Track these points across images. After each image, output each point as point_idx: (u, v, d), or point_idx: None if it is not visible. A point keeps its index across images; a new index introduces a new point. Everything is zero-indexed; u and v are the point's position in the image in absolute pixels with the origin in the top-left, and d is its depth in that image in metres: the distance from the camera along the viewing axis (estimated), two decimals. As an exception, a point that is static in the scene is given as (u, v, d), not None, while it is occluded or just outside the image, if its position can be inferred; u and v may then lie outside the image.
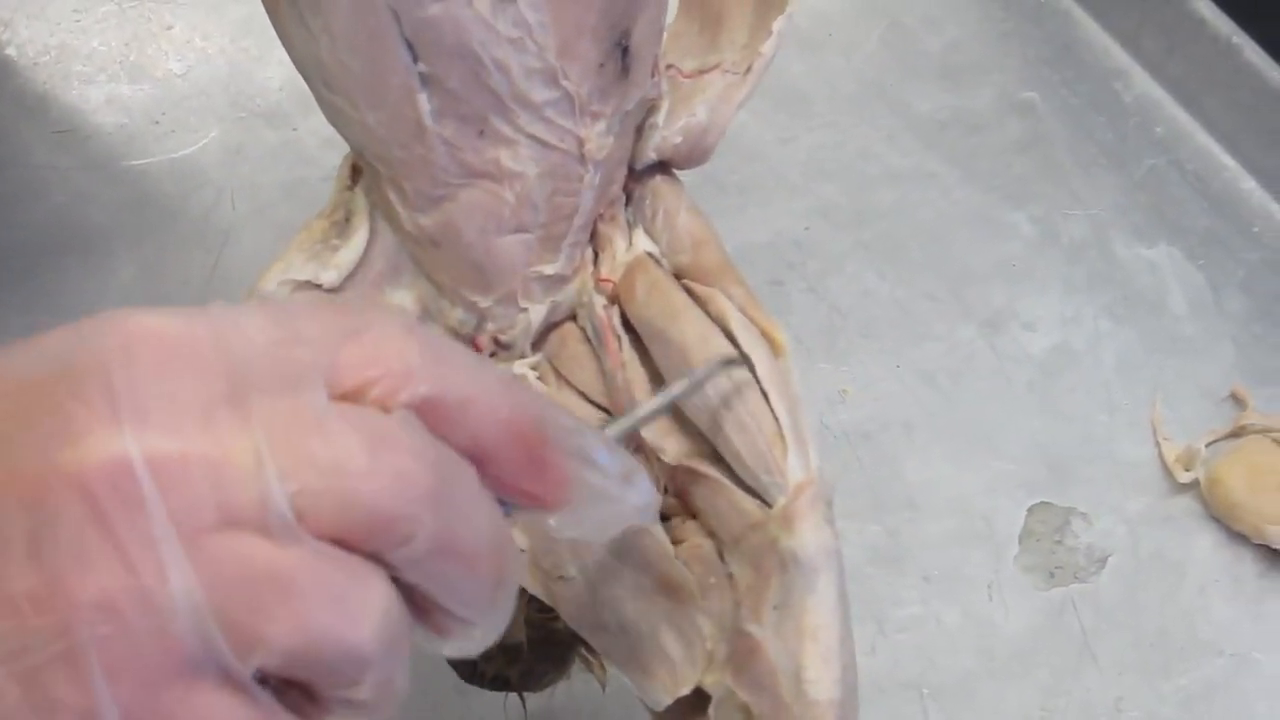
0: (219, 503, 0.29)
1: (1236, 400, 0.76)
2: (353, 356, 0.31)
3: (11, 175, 0.82)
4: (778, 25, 0.51)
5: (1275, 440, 0.73)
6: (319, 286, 0.48)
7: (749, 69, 0.51)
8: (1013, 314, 0.80)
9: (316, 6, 0.44)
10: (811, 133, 0.86)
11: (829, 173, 0.85)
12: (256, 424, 0.29)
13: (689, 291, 0.49)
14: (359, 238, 0.49)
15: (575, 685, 0.57)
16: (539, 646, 0.54)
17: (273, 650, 0.29)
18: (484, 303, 0.49)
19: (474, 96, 0.45)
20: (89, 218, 0.80)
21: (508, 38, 0.44)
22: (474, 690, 0.56)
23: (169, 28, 0.89)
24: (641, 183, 0.52)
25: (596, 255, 0.51)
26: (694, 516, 0.49)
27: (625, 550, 0.48)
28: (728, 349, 0.47)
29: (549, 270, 0.49)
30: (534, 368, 0.50)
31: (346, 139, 0.49)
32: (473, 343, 0.50)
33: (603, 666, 0.55)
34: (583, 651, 0.55)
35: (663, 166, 0.52)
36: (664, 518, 0.49)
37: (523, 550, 0.50)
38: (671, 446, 0.48)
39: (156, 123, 0.85)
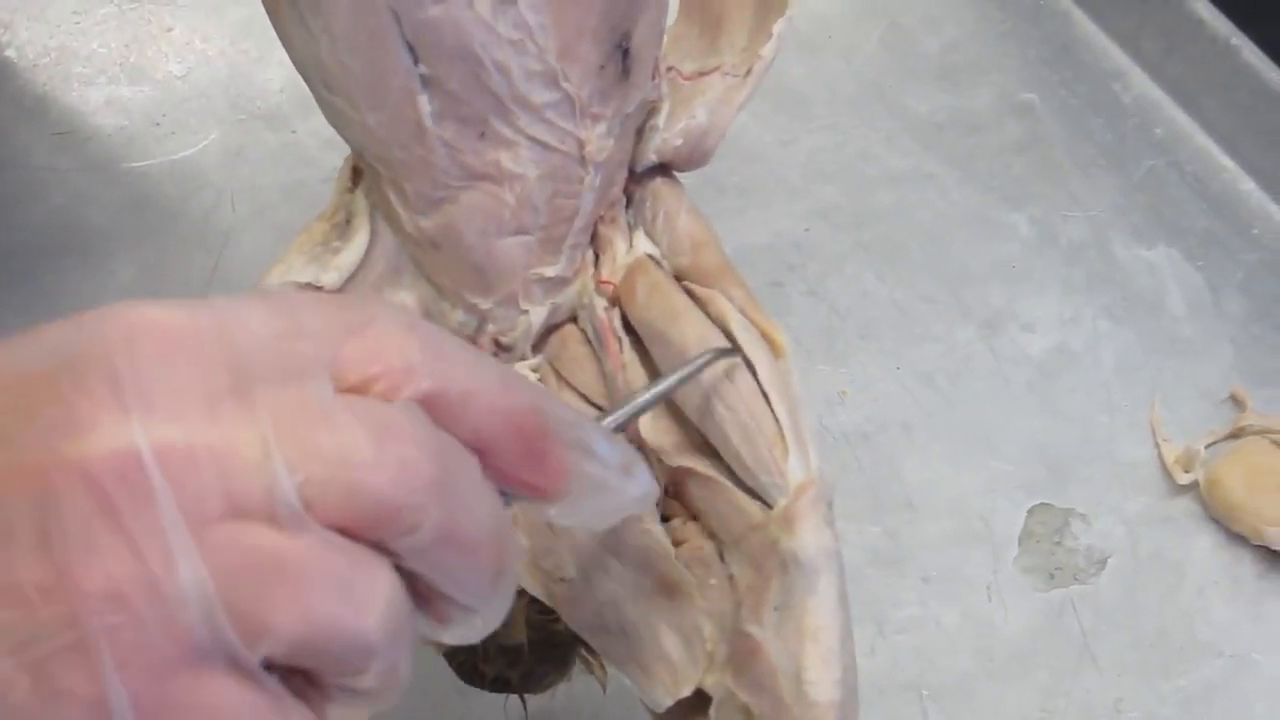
0: (226, 492, 0.29)
1: (1235, 401, 0.76)
2: (355, 351, 0.32)
3: (11, 177, 0.82)
4: (777, 28, 0.51)
5: (1274, 441, 0.73)
6: (320, 288, 0.49)
7: (749, 71, 0.51)
8: (1012, 315, 0.80)
9: (317, 7, 0.44)
10: (811, 134, 0.86)
11: (828, 174, 0.85)
12: (262, 414, 0.30)
13: (689, 293, 0.49)
14: (359, 240, 0.49)
15: (576, 686, 0.58)
16: (540, 648, 0.54)
17: (280, 639, 0.29)
18: (484, 305, 0.49)
19: (474, 98, 0.45)
20: (89, 219, 0.81)
21: (508, 39, 0.44)
22: (475, 691, 0.56)
23: (169, 30, 0.89)
24: (642, 185, 0.52)
25: (597, 257, 0.51)
26: (694, 518, 0.49)
27: (626, 551, 0.48)
28: (727, 346, 0.47)
29: (549, 272, 0.49)
30: (535, 369, 0.50)
31: (347, 140, 0.49)
32: (473, 344, 0.50)
33: (603, 668, 0.55)
34: (583, 653, 0.55)
35: (663, 168, 0.52)
36: (664, 519, 0.49)
37: (523, 551, 0.50)
38: (672, 447, 0.49)
39: (156, 124, 0.85)
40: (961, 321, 0.79)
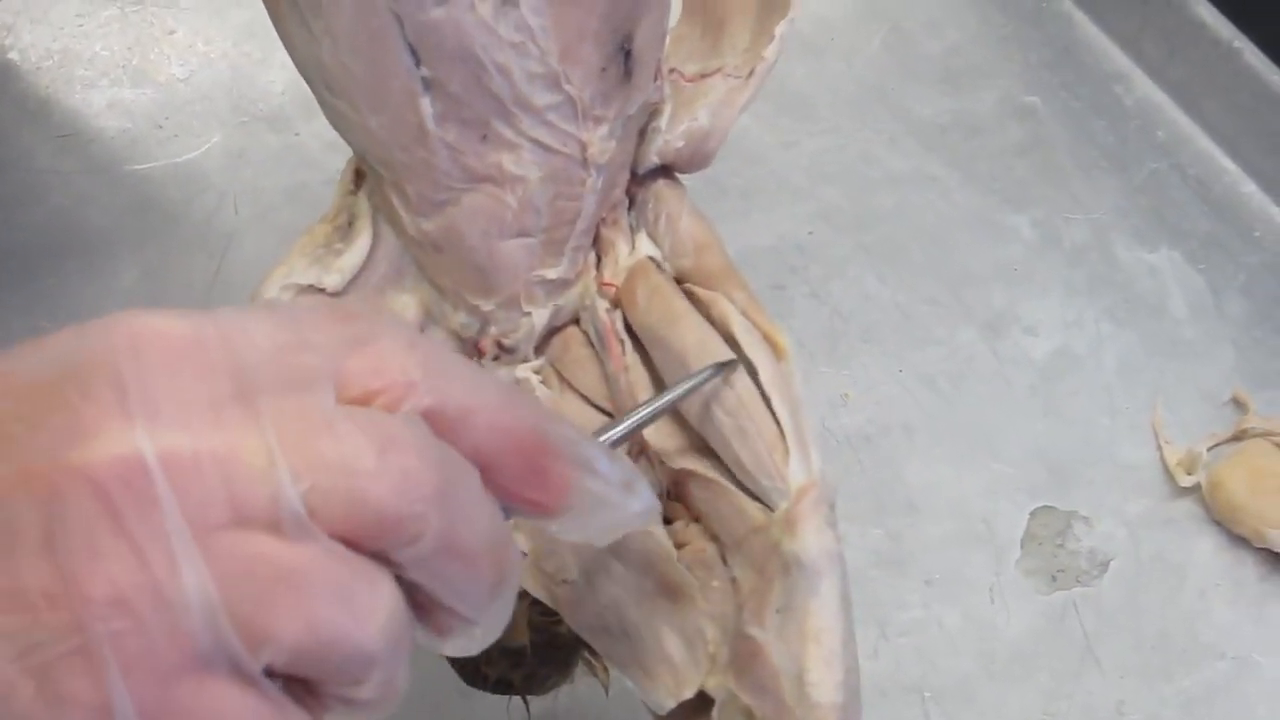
0: (230, 500, 0.29)
1: (1237, 404, 0.76)
2: (357, 366, 0.32)
3: (14, 179, 0.82)
4: (780, 29, 0.51)
5: (1276, 444, 0.73)
6: (322, 290, 0.49)
7: (751, 73, 0.51)
8: (1014, 317, 0.80)
9: (319, 9, 0.44)
10: (813, 137, 0.86)
11: (831, 176, 0.85)
12: (267, 423, 0.30)
13: (691, 295, 0.49)
14: (362, 242, 0.49)
15: (578, 688, 0.57)
16: (542, 650, 0.54)
17: (283, 646, 0.29)
18: (487, 306, 0.49)
19: (476, 100, 0.45)
20: (91, 221, 0.81)
21: (510, 42, 0.44)
22: (477, 693, 0.56)
23: (171, 32, 0.89)
24: (644, 187, 0.52)
25: (599, 259, 0.51)
26: (697, 520, 0.49)
27: (628, 553, 0.48)
28: (727, 355, 0.47)
29: (551, 274, 0.49)
30: (537, 371, 0.50)
31: (349, 143, 0.49)
32: (476, 346, 0.50)
33: (606, 670, 0.55)
34: (586, 655, 0.55)
35: (665, 170, 0.52)
36: (667, 521, 0.49)
37: (525, 554, 0.50)
38: (674, 450, 0.49)
39: (159, 127, 0.85)
40: (964, 324, 0.79)
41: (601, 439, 0.42)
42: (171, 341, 0.30)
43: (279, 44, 0.48)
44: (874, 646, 0.68)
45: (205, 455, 0.29)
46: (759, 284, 0.51)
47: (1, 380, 0.30)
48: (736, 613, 0.47)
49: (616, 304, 0.50)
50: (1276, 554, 0.71)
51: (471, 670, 0.55)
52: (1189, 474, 0.73)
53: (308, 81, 0.48)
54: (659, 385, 0.49)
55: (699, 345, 0.47)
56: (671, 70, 0.52)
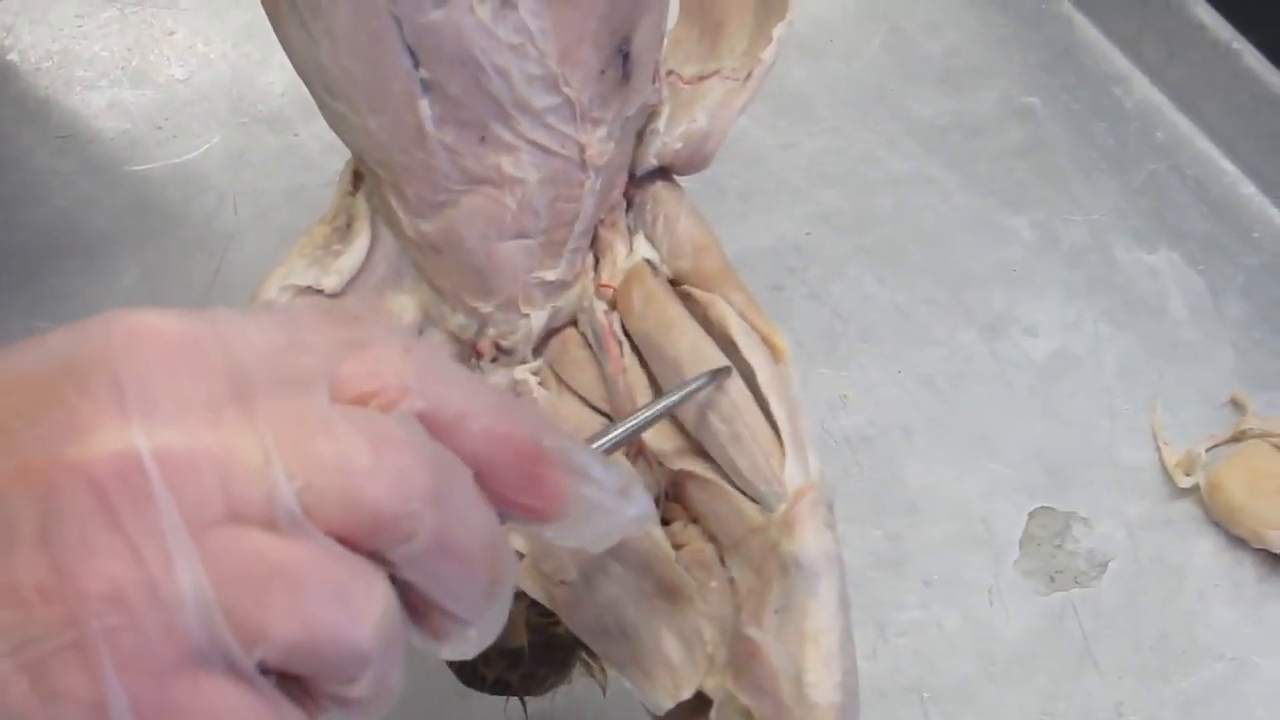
0: (226, 497, 0.29)
1: (1236, 405, 0.76)
2: (353, 369, 0.32)
3: (13, 179, 0.82)
4: (778, 31, 0.51)
5: (1275, 445, 0.73)
6: (321, 292, 0.49)
7: (749, 75, 0.51)
8: (1013, 319, 0.80)
9: (318, 11, 0.44)
10: (812, 138, 0.86)
11: (830, 178, 0.85)
12: (263, 422, 0.30)
13: (689, 297, 0.49)
14: (360, 243, 0.50)
15: (576, 689, 0.58)
16: (540, 650, 0.54)
17: (277, 643, 0.29)
18: (485, 308, 0.49)
19: (475, 102, 0.45)
20: (91, 222, 0.81)
21: (509, 44, 0.44)
22: (475, 694, 0.56)
23: (171, 33, 0.89)
24: (642, 188, 0.52)
25: (597, 261, 0.51)
26: (695, 521, 0.49)
27: (626, 554, 0.48)
28: (721, 361, 0.47)
29: (550, 276, 0.49)
30: (535, 373, 0.51)
31: (348, 144, 0.49)
32: (474, 348, 0.50)
33: (604, 670, 0.55)
34: (584, 655, 0.55)
35: (663, 172, 0.52)
36: (665, 522, 0.49)
37: (523, 555, 0.50)
38: (672, 451, 0.49)
39: (159, 128, 0.85)
40: (963, 325, 0.79)
41: (596, 445, 0.42)
42: (168, 340, 0.30)
43: (278, 45, 0.48)
44: (872, 647, 0.68)
45: (201, 453, 0.29)
46: (757, 285, 0.51)
47: (0, 377, 0.30)
48: (735, 613, 0.47)
49: (614, 305, 0.50)
50: (1275, 555, 0.71)
51: (469, 671, 0.55)
52: (1188, 475, 0.73)
53: (306, 83, 0.48)
54: (657, 387, 0.49)
55: (693, 351, 0.47)
56: (670, 72, 0.52)
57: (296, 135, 0.84)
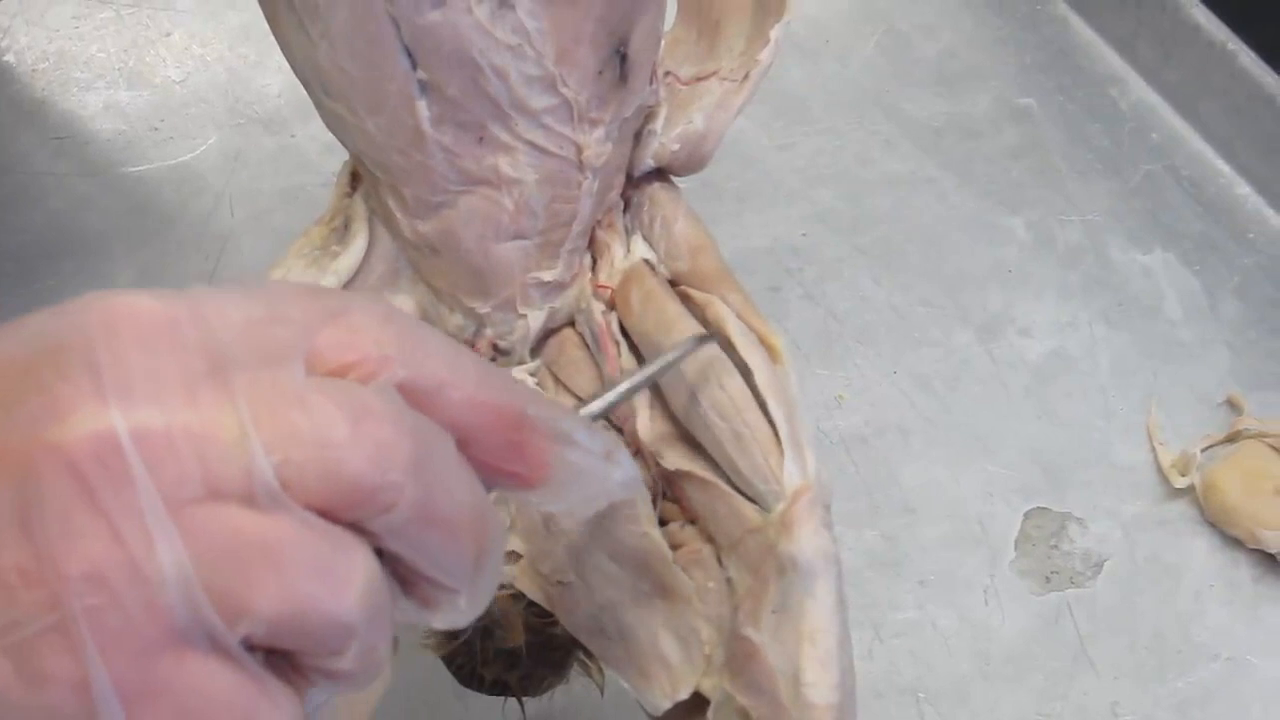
0: (204, 475, 0.29)
1: (1232, 405, 0.77)
2: (331, 339, 0.32)
3: (10, 180, 0.82)
4: (775, 32, 0.51)
5: (1270, 445, 0.74)
6: (318, 292, 0.49)
7: (746, 76, 0.51)
8: (1009, 319, 0.80)
9: (315, 12, 0.44)
10: (809, 139, 0.87)
11: (826, 178, 0.85)
12: (239, 397, 0.30)
13: (686, 298, 0.49)
14: (358, 244, 0.50)
15: (574, 689, 0.58)
16: (537, 651, 0.54)
17: (259, 618, 0.29)
18: (483, 309, 0.49)
19: (473, 103, 0.45)
20: (87, 223, 0.81)
21: (506, 45, 0.44)
22: (473, 695, 0.57)
23: (167, 34, 0.89)
24: (639, 189, 0.52)
25: (595, 261, 0.51)
26: (692, 521, 0.49)
27: (624, 555, 0.48)
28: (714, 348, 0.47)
29: (547, 276, 0.49)
30: (533, 373, 0.51)
31: (345, 146, 0.49)
32: (472, 348, 0.50)
33: (601, 671, 0.55)
34: (581, 656, 0.55)
35: (660, 173, 0.52)
36: (662, 522, 0.49)
37: (520, 556, 0.50)
38: (670, 451, 0.49)
39: (155, 129, 0.85)
40: (959, 326, 0.79)
41: (580, 413, 0.42)
42: (145, 320, 0.30)
43: (275, 47, 0.48)
44: (869, 647, 0.68)
45: (178, 431, 0.29)
46: (754, 286, 0.51)
47: None
48: (732, 614, 0.47)
49: (612, 306, 0.50)
50: (1270, 555, 0.72)
51: (467, 672, 0.56)
52: (1183, 475, 0.73)
53: (304, 84, 0.48)
54: (655, 387, 0.49)
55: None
56: (667, 73, 0.52)
57: (293, 136, 0.84)
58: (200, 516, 0.29)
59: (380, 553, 0.32)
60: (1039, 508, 0.73)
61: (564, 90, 0.46)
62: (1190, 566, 0.72)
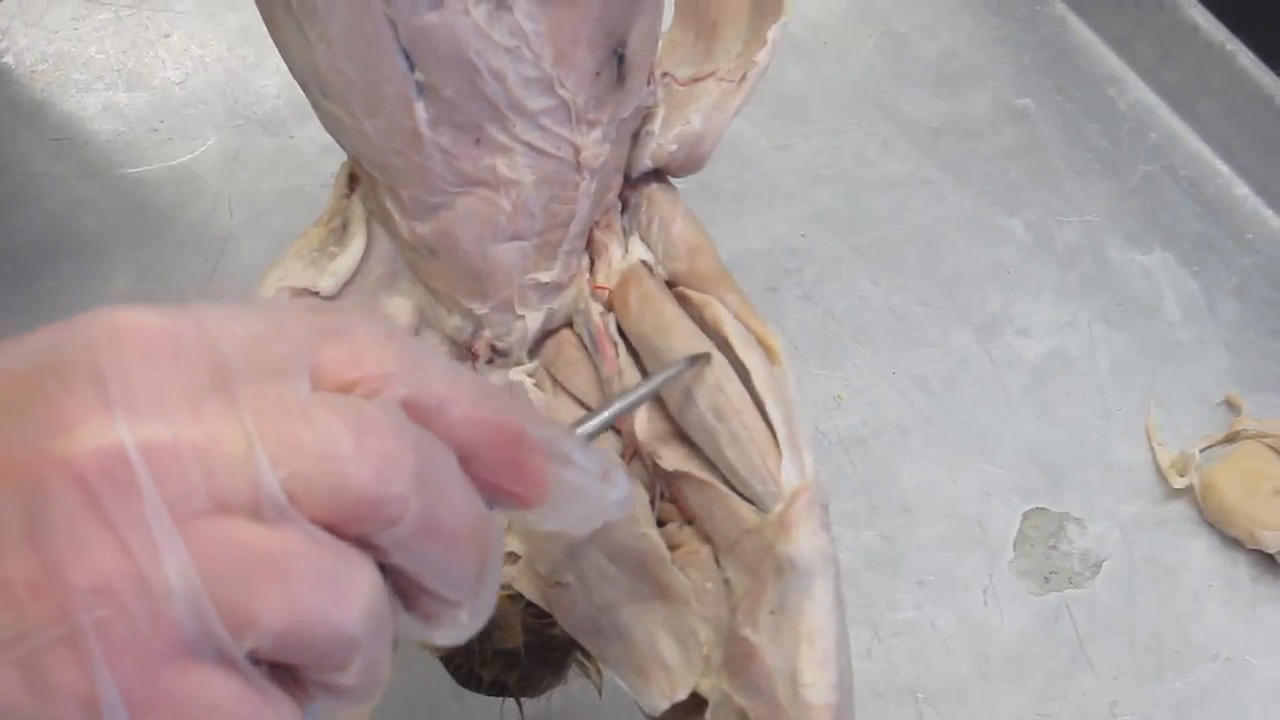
0: (210, 488, 0.29)
1: (1230, 406, 0.77)
2: (334, 356, 0.32)
3: (9, 182, 0.82)
4: (773, 33, 0.51)
5: (1269, 446, 0.74)
6: (316, 294, 0.49)
7: (744, 77, 0.51)
8: (1007, 319, 0.80)
9: (314, 14, 0.44)
10: (807, 139, 0.87)
11: (824, 179, 0.85)
12: (245, 411, 0.30)
13: (684, 299, 0.49)
14: (356, 245, 0.50)
15: (572, 690, 0.58)
16: (536, 652, 0.54)
17: (265, 631, 0.29)
18: (481, 310, 0.49)
19: (470, 105, 0.45)
20: (86, 224, 0.81)
21: (504, 46, 0.44)
22: (471, 695, 0.57)
23: (166, 36, 0.89)
24: (637, 190, 0.52)
25: (592, 262, 0.51)
26: (690, 522, 0.49)
27: (622, 555, 0.48)
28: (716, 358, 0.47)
29: (545, 277, 0.49)
30: (531, 374, 0.51)
31: (344, 147, 0.49)
32: (470, 350, 0.50)
33: (599, 671, 0.55)
34: (579, 656, 0.55)
35: (658, 174, 0.52)
36: (660, 523, 0.49)
37: (518, 557, 0.50)
38: (668, 453, 0.49)
39: (154, 130, 0.85)
40: (957, 326, 0.79)
41: (578, 431, 0.42)
42: (150, 335, 0.30)
43: (273, 48, 0.48)
44: (867, 647, 0.68)
45: (185, 444, 0.29)
46: (752, 287, 0.51)
47: None
48: (730, 614, 0.47)
49: (610, 307, 0.50)
50: (1269, 555, 0.72)
51: (466, 673, 0.56)
52: (1182, 476, 0.74)
53: (302, 86, 0.48)
54: (653, 388, 0.49)
55: (689, 352, 0.47)
56: (664, 74, 0.52)
57: (291, 138, 0.84)
58: (206, 529, 0.29)
59: (382, 568, 0.32)
60: (1038, 508, 0.73)
61: (561, 91, 0.46)
62: (1189, 567, 0.72)
